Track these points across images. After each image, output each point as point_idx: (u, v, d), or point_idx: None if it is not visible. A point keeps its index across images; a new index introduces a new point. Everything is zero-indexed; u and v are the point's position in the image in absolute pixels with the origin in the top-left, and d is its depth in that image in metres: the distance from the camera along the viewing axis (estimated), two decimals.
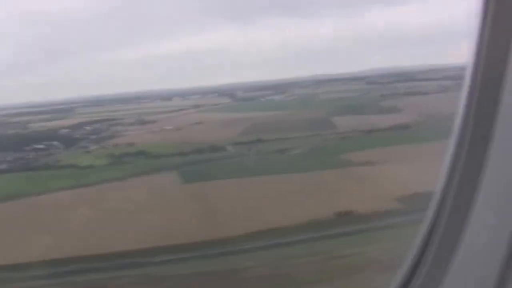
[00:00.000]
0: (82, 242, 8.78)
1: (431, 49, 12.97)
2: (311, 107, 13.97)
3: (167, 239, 8.82)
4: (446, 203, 2.33)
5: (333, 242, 9.02)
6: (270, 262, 8.73)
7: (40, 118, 13.84)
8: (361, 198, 9.72)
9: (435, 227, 2.39)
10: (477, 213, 2.22)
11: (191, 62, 15.43)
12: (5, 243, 8.50)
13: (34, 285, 8.42)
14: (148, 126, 13.39)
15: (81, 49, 14.41)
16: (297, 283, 8.09)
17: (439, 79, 13.46)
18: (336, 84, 14.90)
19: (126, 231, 9.04)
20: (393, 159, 10.98)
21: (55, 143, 12.32)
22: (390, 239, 7.83)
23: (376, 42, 14.16)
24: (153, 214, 9.46)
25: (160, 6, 14.90)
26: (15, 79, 13.57)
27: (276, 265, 8.61)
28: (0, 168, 11.56)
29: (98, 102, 14.72)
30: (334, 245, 8.95)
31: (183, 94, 15.19)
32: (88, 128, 13.26)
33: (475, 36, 2.36)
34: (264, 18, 14.97)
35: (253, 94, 15.05)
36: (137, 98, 14.84)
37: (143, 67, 15.28)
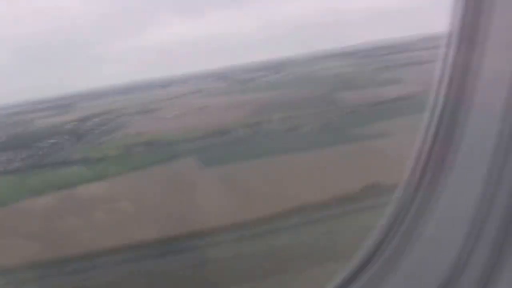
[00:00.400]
0: (135, 230, 8.91)
1: (422, 18, 13.23)
2: (311, 84, 14.15)
3: (209, 222, 8.98)
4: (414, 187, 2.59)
5: (366, 215, 9.25)
6: (309, 238, 8.94)
7: (42, 115, 13.78)
8: (384, 170, 9.96)
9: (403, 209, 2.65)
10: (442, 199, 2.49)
11: (184, 48, 15.48)
12: (60, 235, 8.60)
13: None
14: (153, 115, 13.42)
15: (74, 42, 14.31)
16: (338, 257, 8.32)
17: (433, 48, 13.71)
18: (330, 61, 15.08)
19: (171, 216, 9.17)
20: (404, 130, 11.22)
21: (65, 138, 12.32)
22: None
23: (364, 15, 14.38)
24: (190, 198, 9.61)
25: None
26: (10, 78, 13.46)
27: (315, 241, 8.82)
28: (16, 166, 11.54)
29: (96, 95, 14.69)
30: (369, 217, 9.18)
31: (180, 81, 15.23)
32: (94, 121, 13.26)
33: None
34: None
35: (250, 75, 15.17)
36: (135, 88, 14.85)
37: (137, 56, 15.29)
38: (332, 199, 9.47)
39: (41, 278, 8.69)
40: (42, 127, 13.02)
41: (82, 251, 8.72)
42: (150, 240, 8.84)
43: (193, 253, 8.74)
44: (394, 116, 12.19)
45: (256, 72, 15.07)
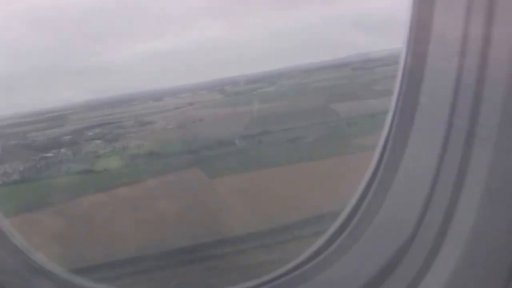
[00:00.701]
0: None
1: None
2: (307, 96, 14.21)
3: (225, 230, 8.93)
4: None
5: None
6: None
7: (35, 127, 13.58)
8: None
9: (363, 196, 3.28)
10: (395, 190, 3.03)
11: (176, 60, 15.40)
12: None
13: None
14: (150, 127, 13.33)
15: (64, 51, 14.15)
16: None
17: None
18: (323, 72, 15.14)
19: (186, 225, 9.11)
20: None
21: (62, 150, 12.16)
22: None
23: (356, 27, 14.50)
24: (202, 208, 9.56)
25: (142, 7, 14.82)
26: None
27: None
28: (14, 179, 11.35)
29: (89, 107, 14.52)
30: None
31: (173, 93, 15.14)
32: (89, 133, 13.11)
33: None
34: (243, 13, 15.08)
35: (243, 87, 15.15)
36: (128, 100, 14.71)
37: (130, 68, 15.15)
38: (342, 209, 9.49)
39: None
40: (37, 139, 12.82)
41: (98, 262, 8.59)
42: (166, 249, 8.75)
43: (209, 262, 8.68)
44: None
45: (249, 84, 15.03)
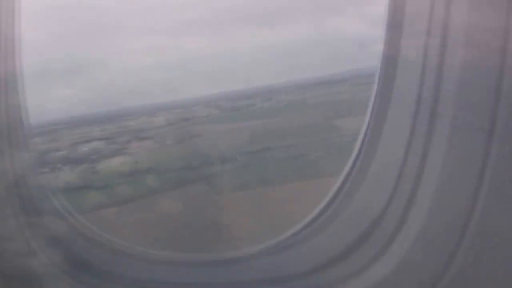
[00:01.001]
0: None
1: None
2: (306, 112, 14.03)
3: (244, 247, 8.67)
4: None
5: None
6: None
7: (29, 142, 13.11)
8: None
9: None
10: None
11: (170, 75, 15.16)
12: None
13: None
14: (147, 143, 13.03)
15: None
16: None
17: None
18: (321, 88, 14.99)
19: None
20: None
21: (58, 165, 11.83)
22: None
23: (354, 42, 14.43)
24: (217, 223, 9.31)
25: (128, 20, 14.57)
26: None
27: None
28: None
29: (81, 122, 14.16)
30: None
31: (167, 108, 14.85)
32: (84, 148, 12.78)
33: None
34: (237, 28, 14.93)
35: (239, 103, 14.92)
36: (122, 116, 14.39)
37: (120, 83, 14.86)
38: None
39: None
40: (33, 154, 12.38)
41: None
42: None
43: None
44: None
45: (245, 99, 14.81)
